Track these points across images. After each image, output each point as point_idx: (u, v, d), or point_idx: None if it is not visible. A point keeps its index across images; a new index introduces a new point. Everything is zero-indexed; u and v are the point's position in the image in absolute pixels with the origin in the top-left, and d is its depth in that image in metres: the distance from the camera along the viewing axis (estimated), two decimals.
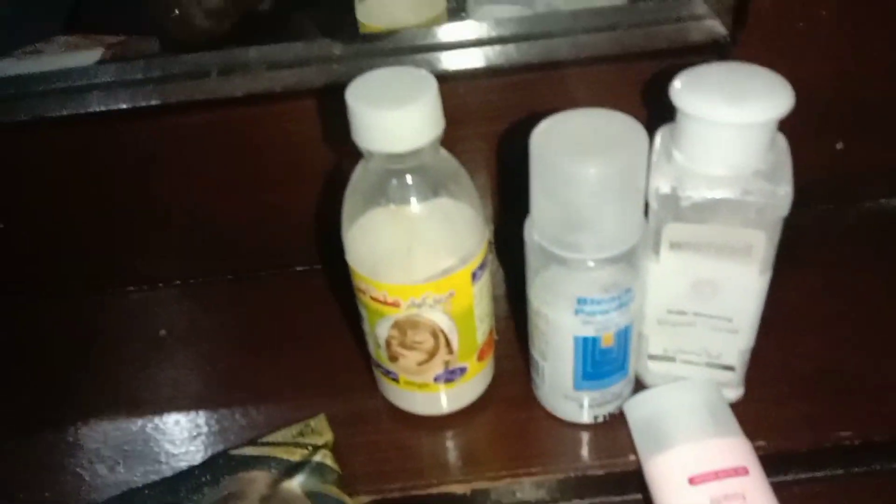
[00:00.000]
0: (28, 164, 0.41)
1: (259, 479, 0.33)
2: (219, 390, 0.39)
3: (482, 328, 0.34)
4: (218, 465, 0.34)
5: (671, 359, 0.35)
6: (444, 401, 0.36)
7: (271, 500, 0.32)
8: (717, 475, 0.30)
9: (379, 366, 0.35)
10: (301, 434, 0.35)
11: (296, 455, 0.34)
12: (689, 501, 0.30)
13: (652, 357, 0.35)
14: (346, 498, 0.33)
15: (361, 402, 0.37)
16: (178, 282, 0.46)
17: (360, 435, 0.36)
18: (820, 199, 0.45)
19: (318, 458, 0.34)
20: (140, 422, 0.38)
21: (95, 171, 0.41)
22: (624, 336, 0.32)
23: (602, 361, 0.33)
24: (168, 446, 0.37)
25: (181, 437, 0.37)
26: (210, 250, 0.45)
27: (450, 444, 0.35)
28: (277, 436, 0.35)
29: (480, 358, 0.35)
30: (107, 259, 0.45)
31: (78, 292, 0.45)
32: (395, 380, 0.35)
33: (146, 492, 0.34)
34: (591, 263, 0.30)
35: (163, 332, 0.43)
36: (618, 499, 0.34)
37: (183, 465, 0.36)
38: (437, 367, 0.34)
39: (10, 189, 0.42)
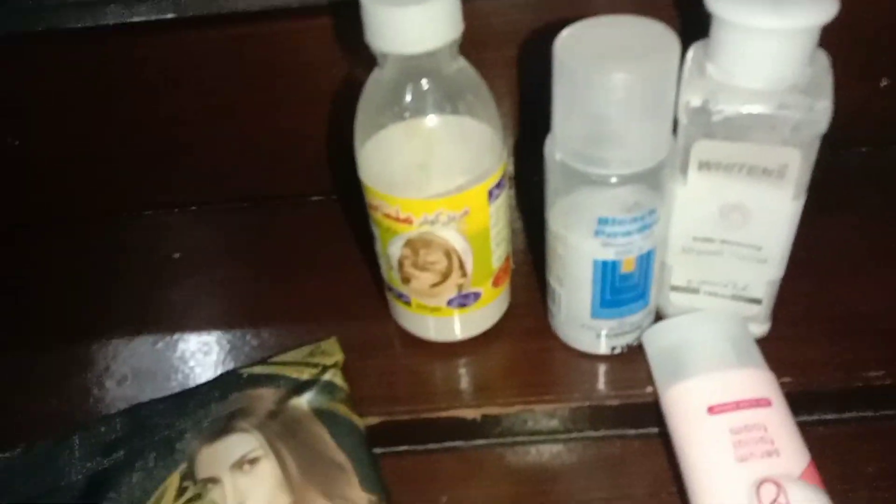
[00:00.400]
0: (42, 79, 0.40)
1: (267, 396, 0.33)
2: (231, 313, 0.39)
3: (498, 252, 0.33)
4: (226, 383, 0.34)
5: (695, 290, 0.33)
6: (457, 327, 0.35)
7: (278, 416, 0.32)
8: (737, 405, 0.29)
9: (391, 289, 0.35)
10: (311, 355, 0.34)
11: (305, 374, 0.33)
12: (707, 432, 0.29)
13: (675, 288, 0.34)
14: (354, 416, 0.32)
15: (374, 328, 0.37)
16: (193, 207, 0.45)
17: (371, 359, 0.35)
18: (859, 139, 0.43)
19: (327, 376, 0.33)
20: (151, 340, 0.38)
21: (109, 88, 0.41)
22: (646, 261, 0.31)
23: (622, 288, 0.31)
24: (178, 364, 0.36)
25: (191, 356, 0.37)
26: (225, 175, 0.44)
27: (462, 370, 0.35)
28: (287, 356, 0.34)
29: (496, 284, 0.34)
30: (120, 180, 0.44)
31: (91, 214, 0.45)
32: (408, 303, 0.34)
33: (153, 406, 0.34)
34: (614, 180, 0.28)
35: (176, 254, 0.42)
36: (633, 432, 0.33)
37: (191, 383, 0.35)
38: (450, 290, 0.33)
39: (24, 105, 0.41)
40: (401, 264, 0.32)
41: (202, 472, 0.30)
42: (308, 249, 0.42)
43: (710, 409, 0.29)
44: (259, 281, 0.41)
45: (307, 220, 0.44)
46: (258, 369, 0.34)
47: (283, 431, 0.31)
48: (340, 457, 0.31)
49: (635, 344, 0.34)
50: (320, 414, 0.32)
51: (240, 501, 0.29)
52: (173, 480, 0.30)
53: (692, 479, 0.28)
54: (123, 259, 0.43)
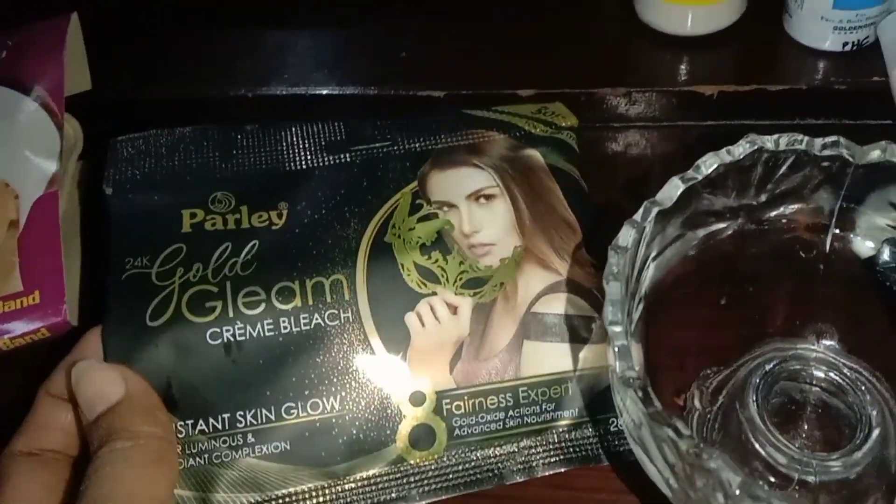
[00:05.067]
0: None
1: (499, 141, 0.32)
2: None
3: None
4: (455, 119, 0.32)
5: None
6: (706, 18, 0.36)
7: (512, 162, 0.31)
8: None
9: None
10: (541, 112, 0.33)
11: (537, 129, 0.32)
12: None
13: None
14: (584, 183, 0.31)
15: None
16: None
17: None
18: None
19: (562, 136, 0.32)
20: None
21: None
22: None
23: None
24: None
25: None
26: None
27: (699, 57, 0.37)
28: (516, 108, 0.33)
29: None
30: None
31: None
32: None
33: (372, 123, 0.32)
34: None
35: None
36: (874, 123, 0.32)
37: None
38: None
39: None
40: None
41: (436, 195, 0.30)
42: None
43: None
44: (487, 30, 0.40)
45: None
46: (486, 114, 0.33)
47: (517, 177, 0.30)
48: (570, 216, 0.30)
49: (869, 41, 0.33)
50: (555, 170, 0.31)
51: (475, 229, 0.29)
52: (405, 195, 0.30)
53: None
54: None
